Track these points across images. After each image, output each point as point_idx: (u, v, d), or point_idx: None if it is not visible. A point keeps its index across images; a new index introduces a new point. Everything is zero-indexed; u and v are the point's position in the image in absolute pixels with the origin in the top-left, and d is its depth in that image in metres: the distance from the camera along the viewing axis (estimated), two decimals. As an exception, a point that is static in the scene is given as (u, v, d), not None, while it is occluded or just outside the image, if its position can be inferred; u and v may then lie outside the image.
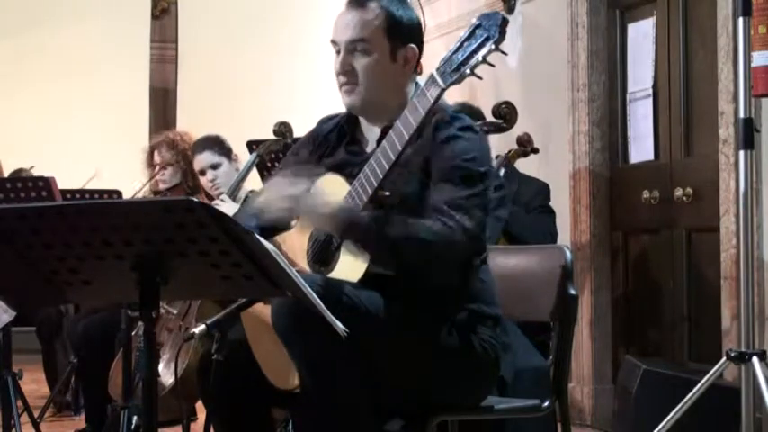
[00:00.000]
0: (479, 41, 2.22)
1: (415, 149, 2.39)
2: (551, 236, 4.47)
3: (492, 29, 2.21)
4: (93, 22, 7.35)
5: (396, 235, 2.28)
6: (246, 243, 1.76)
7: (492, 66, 2.24)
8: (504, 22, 2.21)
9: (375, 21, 2.46)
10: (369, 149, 2.54)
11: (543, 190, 4.58)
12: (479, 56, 2.21)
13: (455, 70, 2.25)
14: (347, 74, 2.48)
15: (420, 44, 2.55)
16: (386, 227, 2.29)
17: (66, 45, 7.31)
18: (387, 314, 2.35)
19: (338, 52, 2.50)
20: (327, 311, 1.99)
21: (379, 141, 2.46)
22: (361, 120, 2.59)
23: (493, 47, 2.21)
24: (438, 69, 2.29)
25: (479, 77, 2.26)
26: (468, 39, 2.24)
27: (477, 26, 2.24)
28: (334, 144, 2.62)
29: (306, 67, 7.15)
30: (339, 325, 2.00)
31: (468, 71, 2.24)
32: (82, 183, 5.43)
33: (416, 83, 2.56)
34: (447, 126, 2.42)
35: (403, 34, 2.49)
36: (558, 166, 4.94)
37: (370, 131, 2.57)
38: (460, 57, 2.24)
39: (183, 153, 4.45)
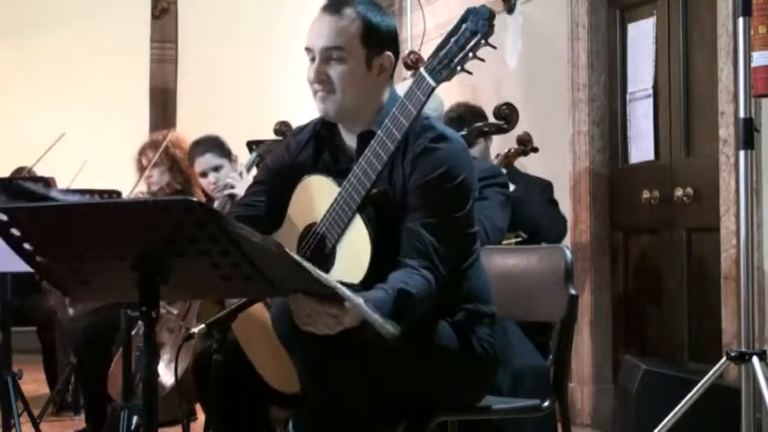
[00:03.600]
0: (467, 36, 2.18)
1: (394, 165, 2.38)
2: (562, 222, 4.50)
3: (479, 23, 2.18)
4: (92, 22, 7.35)
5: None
6: (243, 244, 1.74)
7: (482, 60, 2.21)
8: (492, 15, 2.18)
9: (351, 28, 2.41)
10: (349, 155, 2.50)
11: (547, 187, 4.61)
12: (468, 51, 2.18)
13: (444, 67, 2.22)
14: (322, 82, 2.43)
15: (396, 51, 2.50)
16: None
17: (66, 45, 7.30)
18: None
19: (312, 59, 2.45)
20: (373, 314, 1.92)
21: (357, 148, 2.44)
22: (340, 126, 2.54)
23: (482, 41, 2.18)
24: (426, 67, 2.27)
25: (469, 72, 2.23)
26: (453, 34, 2.21)
27: (463, 20, 2.21)
28: (314, 154, 2.57)
29: (305, 67, 7.14)
30: (388, 327, 1.95)
31: (458, 67, 2.21)
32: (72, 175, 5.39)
33: (392, 88, 2.52)
34: (419, 138, 2.38)
35: (379, 42, 2.44)
36: (558, 166, 4.93)
37: (350, 138, 2.52)
38: (448, 52, 2.21)
39: (165, 150, 4.45)
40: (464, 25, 2.20)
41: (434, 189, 2.35)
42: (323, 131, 2.56)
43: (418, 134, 2.39)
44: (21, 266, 1.90)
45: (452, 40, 2.20)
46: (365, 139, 2.40)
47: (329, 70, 2.43)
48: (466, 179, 2.40)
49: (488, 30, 2.17)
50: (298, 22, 7.12)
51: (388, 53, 2.46)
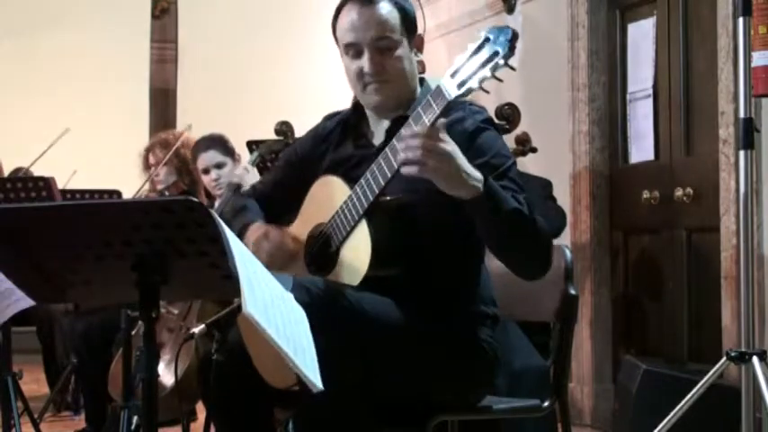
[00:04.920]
0: (489, 56, 2.19)
1: None
2: (561, 216, 4.52)
3: (502, 44, 2.19)
4: (93, 22, 7.35)
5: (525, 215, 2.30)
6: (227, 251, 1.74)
7: (500, 81, 2.22)
8: (515, 36, 2.20)
9: (392, 16, 2.48)
10: (376, 142, 2.54)
11: (547, 185, 4.61)
12: (488, 71, 2.20)
13: (462, 84, 2.23)
14: (378, 73, 2.47)
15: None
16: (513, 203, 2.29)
17: (66, 45, 7.30)
18: (385, 316, 2.35)
19: (356, 54, 2.48)
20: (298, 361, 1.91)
21: (389, 132, 2.47)
22: (369, 113, 2.59)
23: (502, 62, 2.19)
24: (445, 81, 2.28)
25: (487, 91, 2.24)
26: (476, 52, 2.22)
27: (487, 40, 2.22)
28: (339, 139, 2.62)
29: (306, 67, 7.15)
30: (309, 378, 1.95)
31: (476, 85, 2.22)
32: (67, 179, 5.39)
33: (422, 78, 2.59)
34: (468, 119, 2.46)
35: (413, 24, 2.54)
36: (558, 166, 4.94)
37: (379, 125, 2.56)
38: (469, 71, 2.21)
39: (176, 151, 4.45)
40: (487, 45, 2.21)
41: (501, 165, 2.41)
42: (351, 119, 2.61)
43: (467, 117, 2.47)
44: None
45: (474, 58, 2.21)
46: (399, 123, 2.39)
47: (384, 60, 2.47)
48: (514, 162, 2.50)
49: (509, 52, 2.18)
50: (298, 22, 7.16)
51: (419, 33, 2.57)
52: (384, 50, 2.47)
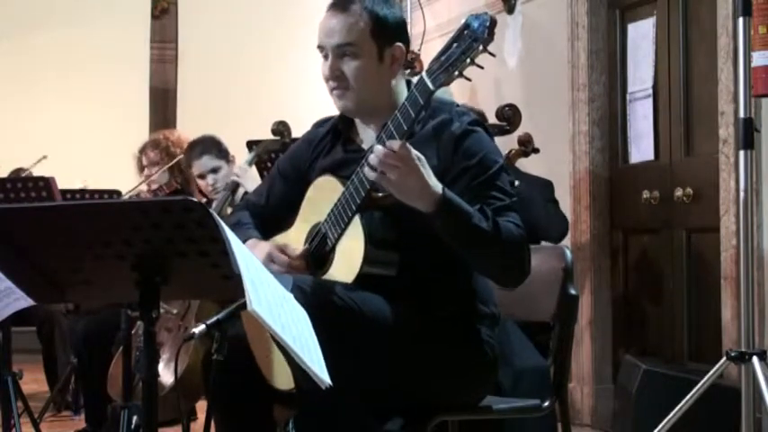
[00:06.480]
0: (467, 43, 2.20)
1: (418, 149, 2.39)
2: (563, 221, 4.52)
3: (480, 30, 2.19)
4: (92, 22, 7.34)
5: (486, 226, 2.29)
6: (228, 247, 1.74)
7: (481, 68, 2.22)
8: (493, 23, 2.19)
9: (360, 23, 2.46)
10: (365, 147, 2.54)
11: (548, 186, 4.61)
12: (467, 58, 2.20)
13: (443, 72, 2.23)
14: (337, 78, 2.48)
15: (407, 41, 2.55)
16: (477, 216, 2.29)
17: (66, 45, 7.30)
18: (383, 315, 2.35)
19: (326, 57, 2.50)
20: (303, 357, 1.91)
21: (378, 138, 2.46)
22: (356, 120, 2.60)
23: (480, 48, 2.19)
24: (427, 71, 2.28)
25: (468, 79, 2.24)
26: (456, 40, 2.22)
27: (466, 27, 2.22)
28: (330, 145, 2.62)
29: (306, 67, 7.14)
30: (318, 374, 1.95)
31: (456, 73, 2.22)
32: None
33: (408, 80, 2.57)
34: (455, 122, 2.45)
35: (389, 33, 2.49)
36: (558, 166, 4.94)
37: (366, 131, 2.58)
38: (449, 58, 2.22)
39: (166, 150, 4.46)
40: (466, 31, 2.21)
41: (484, 168, 2.40)
42: (340, 126, 2.62)
43: (453, 120, 2.45)
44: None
45: (454, 45, 2.21)
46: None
47: (343, 66, 2.47)
48: (504, 164, 2.48)
49: (488, 37, 2.18)
50: (298, 22, 7.15)
51: (399, 44, 2.51)
52: (345, 57, 2.47)
